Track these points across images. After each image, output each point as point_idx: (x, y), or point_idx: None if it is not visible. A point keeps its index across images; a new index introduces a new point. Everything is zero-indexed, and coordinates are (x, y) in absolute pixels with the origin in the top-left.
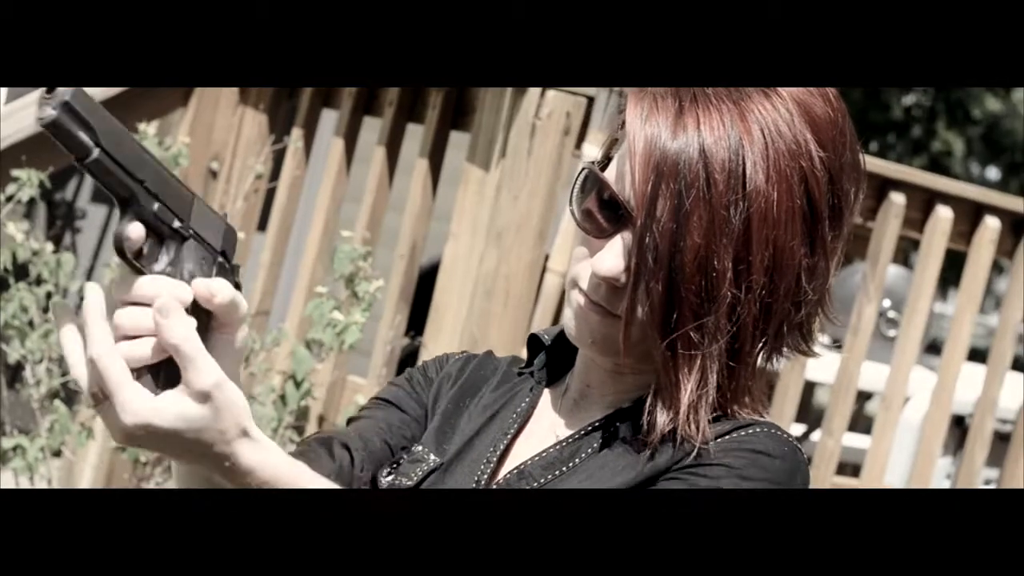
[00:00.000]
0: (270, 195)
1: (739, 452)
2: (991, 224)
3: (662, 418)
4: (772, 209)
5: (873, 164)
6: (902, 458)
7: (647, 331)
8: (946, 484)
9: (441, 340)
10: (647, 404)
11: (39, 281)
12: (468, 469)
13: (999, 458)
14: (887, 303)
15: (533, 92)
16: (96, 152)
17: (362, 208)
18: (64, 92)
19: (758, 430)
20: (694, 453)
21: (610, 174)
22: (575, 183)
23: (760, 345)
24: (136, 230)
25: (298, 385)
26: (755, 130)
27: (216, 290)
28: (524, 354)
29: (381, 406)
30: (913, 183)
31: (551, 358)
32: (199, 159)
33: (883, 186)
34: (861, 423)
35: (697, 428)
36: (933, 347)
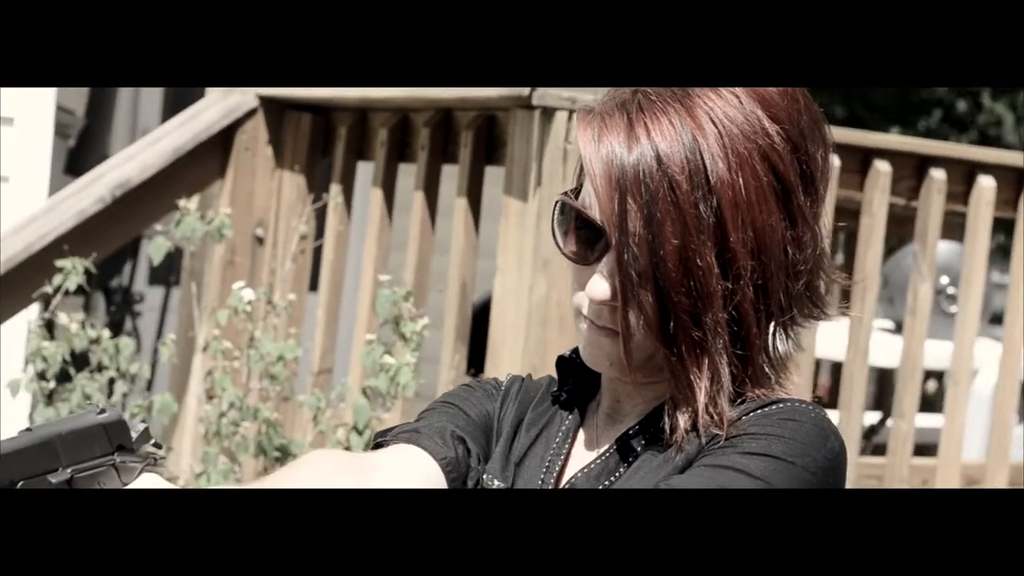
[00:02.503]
0: (317, 254)
1: (764, 422)
2: None
3: (683, 419)
4: (741, 194)
5: (909, 143)
6: (978, 431)
7: (649, 343)
8: None
9: (502, 374)
10: (666, 410)
11: (100, 368)
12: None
13: None
14: (945, 280)
15: (560, 117)
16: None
17: (408, 254)
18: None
19: (781, 405)
20: (721, 436)
21: (583, 200)
22: (552, 216)
23: (766, 325)
24: None
25: (360, 433)
26: (705, 123)
27: None
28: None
29: (447, 408)
30: (952, 157)
31: (582, 376)
32: (243, 228)
33: (922, 164)
34: (939, 403)
35: (720, 420)
36: (998, 318)
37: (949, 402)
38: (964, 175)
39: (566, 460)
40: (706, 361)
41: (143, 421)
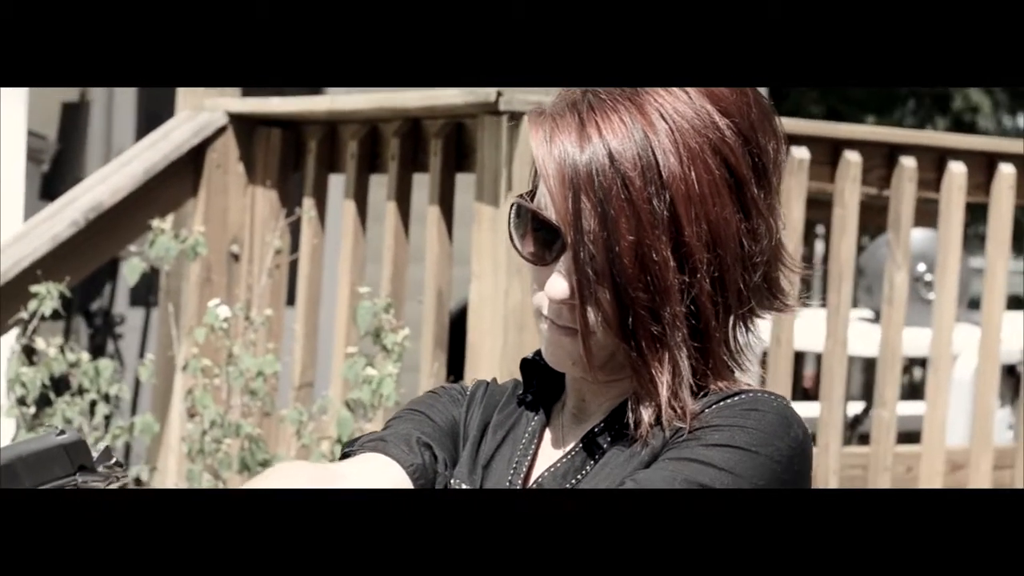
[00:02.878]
0: (293, 268)
1: (727, 413)
2: (1006, 171)
3: (647, 414)
4: (694, 187)
5: (878, 132)
6: (961, 417)
7: (610, 340)
8: (1008, 435)
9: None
10: (629, 405)
11: (81, 391)
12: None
13: None
14: (922, 267)
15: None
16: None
17: (384, 265)
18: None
19: (744, 396)
20: (685, 429)
21: (538, 202)
22: (509, 219)
23: (725, 317)
24: None
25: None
26: (655, 119)
27: None
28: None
29: (413, 416)
30: (921, 144)
31: (547, 377)
32: (218, 245)
33: (892, 152)
34: (922, 391)
35: (683, 413)
36: (976, 303)
37: (930, 388)
38: (935, 162)
39: (533, 460)
40: (666, 355)
41: (126, 443)
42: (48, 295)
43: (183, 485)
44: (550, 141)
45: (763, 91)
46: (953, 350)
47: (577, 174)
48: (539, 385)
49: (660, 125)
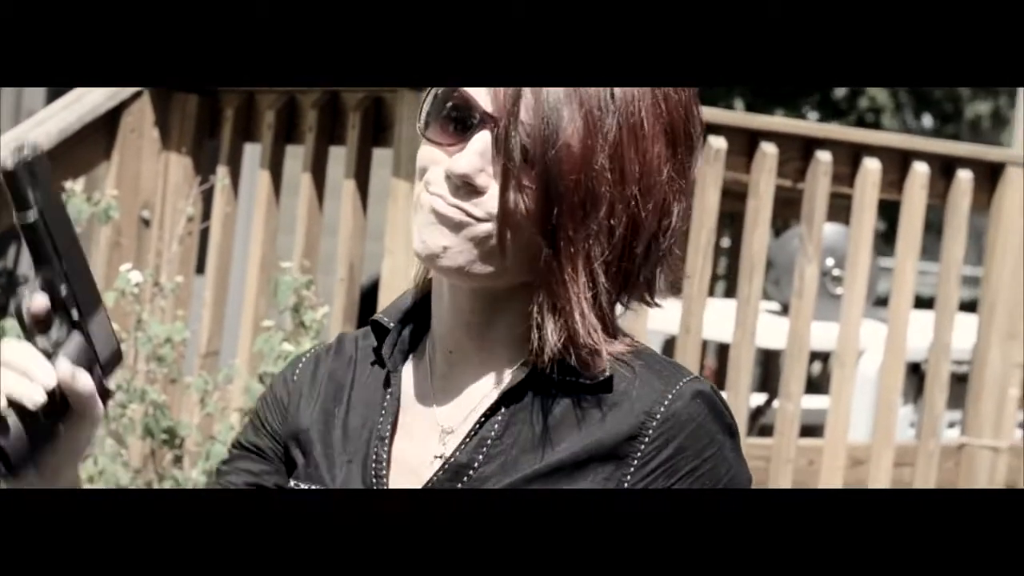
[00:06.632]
0: (204, 236)
1: (688, 456)
2: (920, 170)
3: (552, 331)
4: (640, 119)
5: (796, 125)
6: (864, 413)
7: (521, 232)
8: (910, 432)
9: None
10: (533, 316)
11: None
12: (356, 479)
13: (959, 399)
14: (830, 262)
15: None
16: (33, 213)
17: (296, 237)
18: (31, 153)
19: (683, 412)
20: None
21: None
22: (425, 98)
23: (632, 262)
24: (40, 302)
25: None
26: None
27: (79, 376)
28: None
29: (244, 456)
30: (837, 139)
31: (400, 338)
32: (129, 210)
33: (808, 146)
34: (825, 384)
35: (593, 338)
36: (883, 301)
37: (835, 383)
38: (850, 157)
39: (391, 442)
40: (582, 263)
41: None
42: None
43: None
44: None
45: None
46: (859, 346)
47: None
48: (392, 347)
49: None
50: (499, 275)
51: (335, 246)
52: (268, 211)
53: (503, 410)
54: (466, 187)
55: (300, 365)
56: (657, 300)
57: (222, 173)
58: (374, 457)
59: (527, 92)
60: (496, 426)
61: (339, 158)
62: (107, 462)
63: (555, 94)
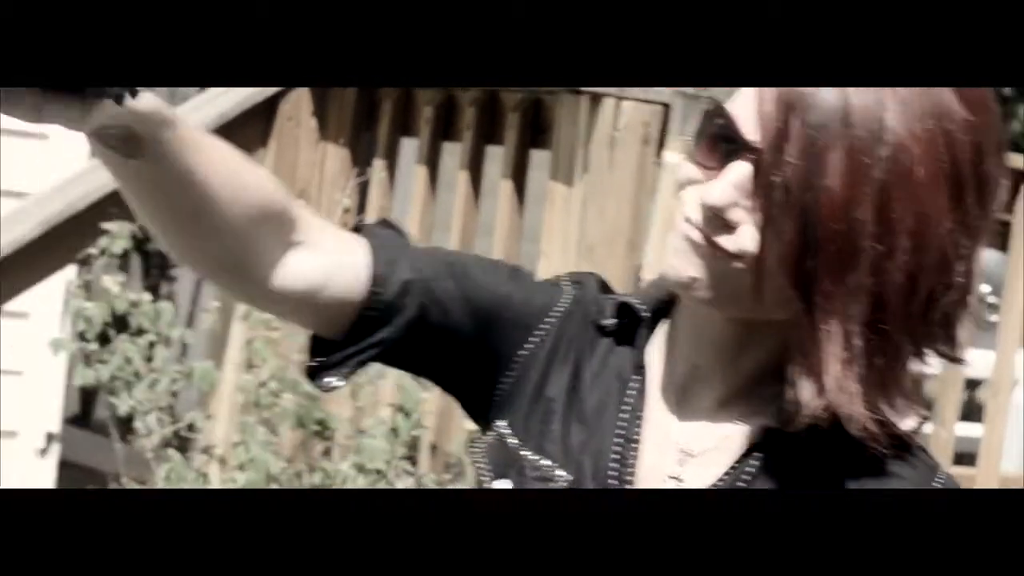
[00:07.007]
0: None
1: None
2: None
3: (806, 393)
4: (916, 167)
5: None
6: (1017, 442)
7: (774, 276)
8: None
9: None
10: (787, 373)
11: (140, 332)
12: (601, 475)
13: None
14: (986, 288)
15: (608, 104)
16: None
17: (452, 234)
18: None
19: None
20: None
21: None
22: (697, 125)
23: (907, 326)
24: None
25: (408, 416)
26: (891, 91)
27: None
28: None
29: (475, 266)
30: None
31: (652, 333)
32: None
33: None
34: (974, 412)
35: (851, 403)
36: None
37: (989, 412)
38: (1010, 183)
39: (637, 451)
40: (836, 321)
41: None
42: (120, 234)
43: (236, 436)
44: None
45: None
46: (1014, 375)
47: (798, 96)
48: (643, 342)
49: (901, 91)
50: (750, 311)
51: (490, 245)
52: (424, 207)
53: (756, 454)
54: (717, 219)
55: (562, 305)
56: (958, 354)
57: (379, 166)
58: (619, 457)
59: (795, 120)
60: (747, 473)
61: (495, 157)
62: (259, 450)
63: (823, 118)
